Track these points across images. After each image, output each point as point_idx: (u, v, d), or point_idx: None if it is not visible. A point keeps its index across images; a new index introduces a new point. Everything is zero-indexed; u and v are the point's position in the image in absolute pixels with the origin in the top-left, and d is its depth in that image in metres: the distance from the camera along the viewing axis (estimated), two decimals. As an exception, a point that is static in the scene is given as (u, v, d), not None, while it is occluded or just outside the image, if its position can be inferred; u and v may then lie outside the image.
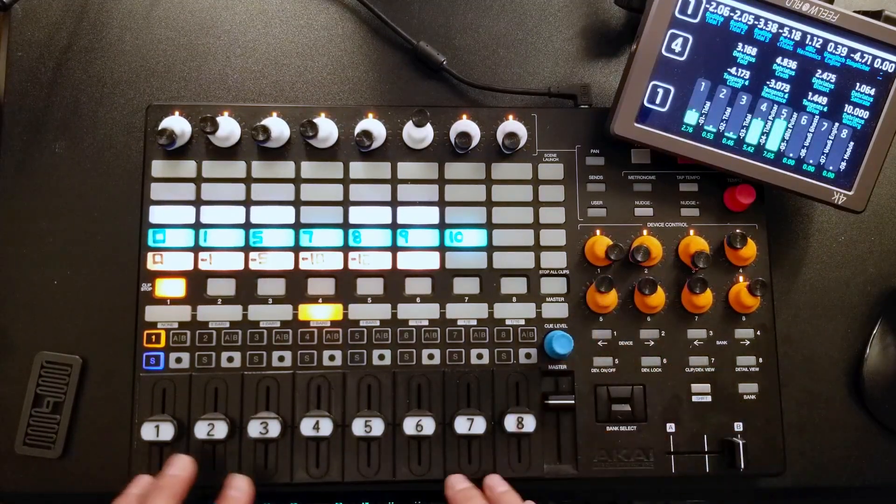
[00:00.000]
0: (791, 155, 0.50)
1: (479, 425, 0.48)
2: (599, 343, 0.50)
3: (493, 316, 0.50)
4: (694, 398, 0.50)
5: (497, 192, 0.51)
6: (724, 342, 0.51)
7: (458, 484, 0.47)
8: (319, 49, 0.57)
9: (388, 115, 0.52)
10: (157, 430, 0.46)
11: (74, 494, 0.50)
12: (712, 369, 0.50)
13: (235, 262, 0.50)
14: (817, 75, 0.49)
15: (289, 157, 0.51)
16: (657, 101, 0.49)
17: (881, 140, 0.50)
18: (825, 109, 0.50)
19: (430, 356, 0.50)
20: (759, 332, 0.51)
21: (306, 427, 0.47)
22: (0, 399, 0.51)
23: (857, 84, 0.49)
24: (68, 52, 0.55)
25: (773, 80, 0.49)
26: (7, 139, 0.54)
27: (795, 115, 0.50)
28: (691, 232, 0.52)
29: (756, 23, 0.49)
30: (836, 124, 0.50)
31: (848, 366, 0.55)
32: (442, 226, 0.51)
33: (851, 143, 0.50)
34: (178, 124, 0.50)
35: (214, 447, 0.48)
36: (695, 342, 0.51)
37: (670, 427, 0.50)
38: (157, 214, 0.50)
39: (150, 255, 0.49)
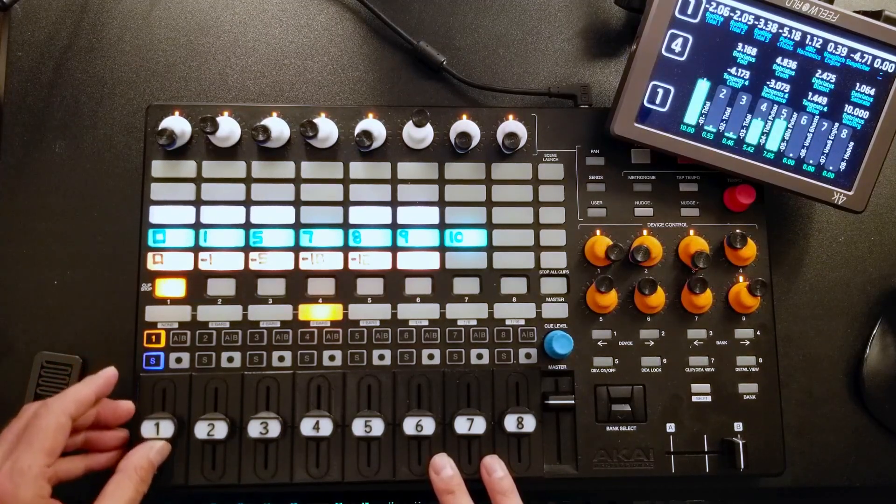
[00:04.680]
0: (791, 155, 0.50)
1: (479, 425, 0.48)
2: (599, 343, 0.50)
3: (493, 316, 0.50)
4: (694, 398, 0.50)
5: (497, 192, 0.51)
6: (724, 342, 0.51)
7: (443, 470, 0.47)
8: (319, 49, 0.57)
9: (388, 115, 0.52)
10: (157, 428, 0.46)
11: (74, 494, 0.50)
12: (712, 369, 0.50)
13: (235, 262, 0.50)
14: (817, 75, 0.49)
15: (289, 157, 0.51)
16: (657, 101, 0.49)
17: (881, 140, 0.50)
18: (825, 109, 0.50)
19: (430, 356, 0.50)
20: (759, 332, 0.51)
21: (306, 427, 0.47)
22: (0, 399, 0.51)
23: (857, 84, 0.49)
24: (68, 52, 0.55)
25: (773, 81, 0.49)
26: (7, 139, 0.54)
27: (795, 115, 0.50)
28: (691, 232, 0.52)
29: (756, 23, 0.49)
30: (836, 124, 0.50)
31: (848, 366, 0.54)
32: (442, 226, 0.51)
33: (851, 143, 0.50)
34: (178, 124, 0.50)
35: (214, 447, 0.47)
36: (695, 342, 0.51)
37: (670, 427, 0.50)
38: (157, 214, 0.50)
39: (150, 255, 0.49)
